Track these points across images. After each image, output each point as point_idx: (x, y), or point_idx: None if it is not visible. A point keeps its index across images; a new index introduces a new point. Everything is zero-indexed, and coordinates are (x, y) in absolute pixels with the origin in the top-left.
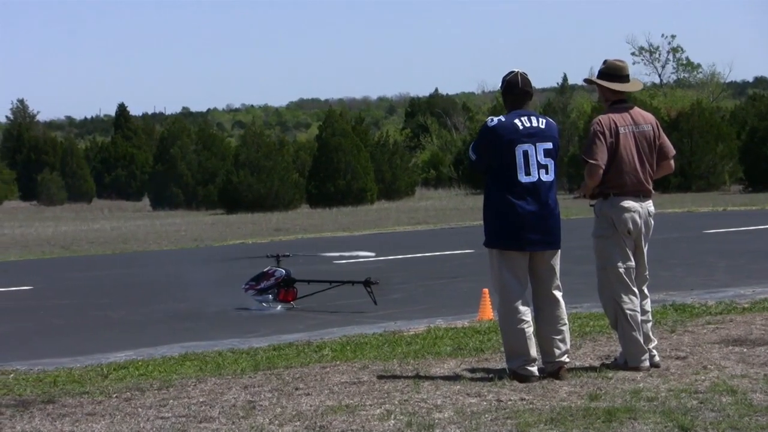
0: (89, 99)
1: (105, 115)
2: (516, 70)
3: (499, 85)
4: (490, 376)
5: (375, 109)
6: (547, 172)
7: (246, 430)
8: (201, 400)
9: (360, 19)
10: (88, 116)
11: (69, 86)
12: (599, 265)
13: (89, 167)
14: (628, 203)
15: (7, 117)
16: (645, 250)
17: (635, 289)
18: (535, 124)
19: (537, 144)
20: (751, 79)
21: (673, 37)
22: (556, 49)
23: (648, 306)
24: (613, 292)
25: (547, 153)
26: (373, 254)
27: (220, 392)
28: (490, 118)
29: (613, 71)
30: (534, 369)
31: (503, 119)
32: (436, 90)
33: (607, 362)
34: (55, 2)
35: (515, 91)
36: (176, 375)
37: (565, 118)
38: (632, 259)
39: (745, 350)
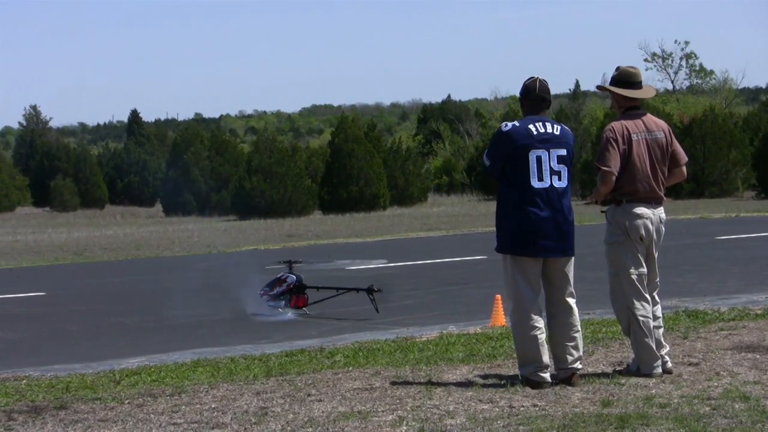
0: (102, 105)
1: (118, 121)
2: (535, 77)
3: (513, 91)
4: (503, 382)
5: (388, 115)
6: (560, 179)
7: None
8: (213, 406)
9: (372, 25)
10: (101, 122)
11: (82, 92)
12: (611, 272)
13: (102, 173)
14: (640, 210)
15: (20, 123)
16: (656, 256)
17: (647, 296)
18: (549, 130)
19: (551, 150)
20: (763, 85)
21: (686, 43)
22: (568, 56)
23: (659, 312)
24: (626, 298)
25: (561, 159)
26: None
27: (232, 398)
28: (504, 123)
29: (625, 78)
30: (546, 375)
31: (517, 124)
32: (449, 96)
33: (620, 368)
34: (67, 9)
35: (531, 96)
36: (188, 381)
37: (578, 125)
38: (644, 265)
39: (758, 357)
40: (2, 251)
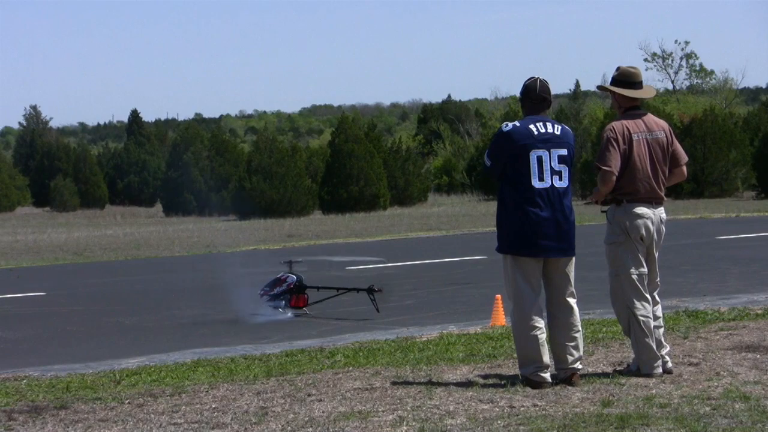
0: (102, 105)
1: (118, 122)
2: (536, 77)
3: (514, 91)
4: (503, 382)
5: (388, 115)
6: (560, 179)
7: None
8: (213, 406)
9: (372, 25)
10: (101, 122)
11: (82, 92)
12: (612, 272)
13: (102, 173)
14: (641, 209)
15: (20, 123)
16: (656, 256)
17: (648, 296)
18: (550, 130)
19: (551, 150)
20: (763, 85)
21: (686, 43)
22: (568, 56)
23: (659, 312)
24: (626, 298)
25: (562, 159)
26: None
27: (232, 398)
28: (504, 123)
29: (626, 78)
30: (547, 375)
31: (518, 124)
32: (449, 96)
33: (620, 368)
34: (68, 9)
35: (532, 96)
36: (189, 381)
37: (578, 125)
38: (645, 265)
39: (758, 357)
40: (2, 251)
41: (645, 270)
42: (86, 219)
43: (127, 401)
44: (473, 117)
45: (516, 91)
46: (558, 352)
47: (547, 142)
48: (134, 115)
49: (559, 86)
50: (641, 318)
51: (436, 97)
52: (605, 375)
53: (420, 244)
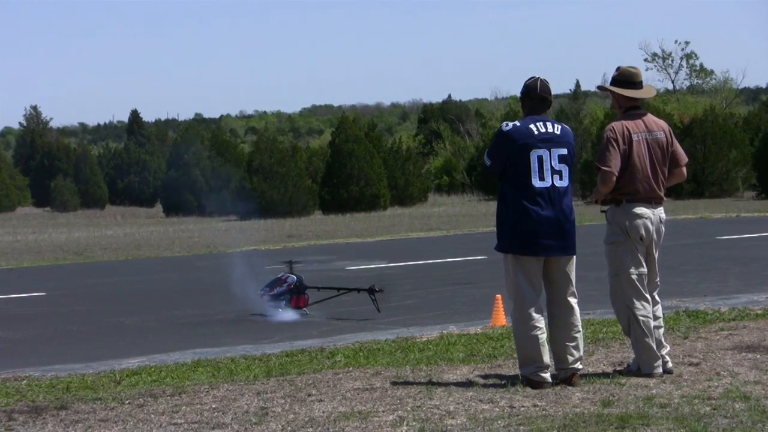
0: (102, 105)
1: (118, 122)
2: (537, 76)
3: (514, 91)
4: (503, 382)
5: (388, 115)
6: (561, 178)
7: None
8: (214, 406)
9: (372, 25)
10: (101, 122)
11: (82, 92)
12: (612, 272)
13: (102, 173)
14: (640, 210)
15: (20, 123)
16: (656, 256)
17: (648, 296)
18: (550, 129)
19: (552, 149)
20: (763, 85)
21: (686, 43)
22: (569, 56)
23: (659, 312)
24: (626, 298)
25: (562, 159)
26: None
27: (232, 398)
28: (505, 122)
29: (626, 78)
30: (547, 375)
31: (518, 124)
32: (449, 96)
33: (620, 368)
34: (68, 9)
35: (532, 95)
36: (189, 381)
37: (578, 125)
38: (644, 265)
39: (758, 357)
40: (2, 251)
41: (645, 270)
42: (86, 219)
43: (127, 401)
44: (473, 117)
45: (516, 91)
46: (558, 352)
47: (548, 141)
48: (134, 115)
49: (559, 86)
50: (641, 318)
51: (436, 97)
52: (605, 375)
53: (420, 244)
